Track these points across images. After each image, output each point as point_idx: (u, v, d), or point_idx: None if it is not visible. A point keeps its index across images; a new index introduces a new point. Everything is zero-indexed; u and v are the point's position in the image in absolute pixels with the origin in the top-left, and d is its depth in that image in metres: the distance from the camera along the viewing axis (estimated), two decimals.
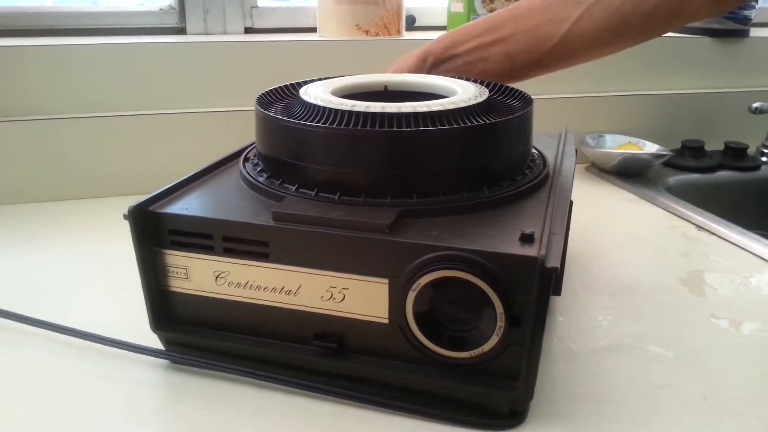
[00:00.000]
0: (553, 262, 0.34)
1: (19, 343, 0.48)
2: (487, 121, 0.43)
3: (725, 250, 0.65)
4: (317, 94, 0.47)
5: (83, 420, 0.40)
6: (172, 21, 0.92)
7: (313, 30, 0.96)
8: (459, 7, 0.94)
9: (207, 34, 0.92)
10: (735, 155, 0.95)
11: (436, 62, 0.58)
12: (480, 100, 0.46)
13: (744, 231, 0.69)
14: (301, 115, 0.45)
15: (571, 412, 0.40)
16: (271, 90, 0.51)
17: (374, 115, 0.42)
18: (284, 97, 0.51)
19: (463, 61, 0.57)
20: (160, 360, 0.45)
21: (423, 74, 0.57)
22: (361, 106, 0.43)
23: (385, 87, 0.54)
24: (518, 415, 0.39)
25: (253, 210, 0.42)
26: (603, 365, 0.45)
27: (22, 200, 0.77)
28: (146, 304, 0.43)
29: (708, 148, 0.95)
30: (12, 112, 0.76)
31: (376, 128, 0.41)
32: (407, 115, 0.42)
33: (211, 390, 0.42)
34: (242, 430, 0.39)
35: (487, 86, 0.52)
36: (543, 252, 0.34)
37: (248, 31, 0.94)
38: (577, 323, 0.51)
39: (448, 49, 0.58)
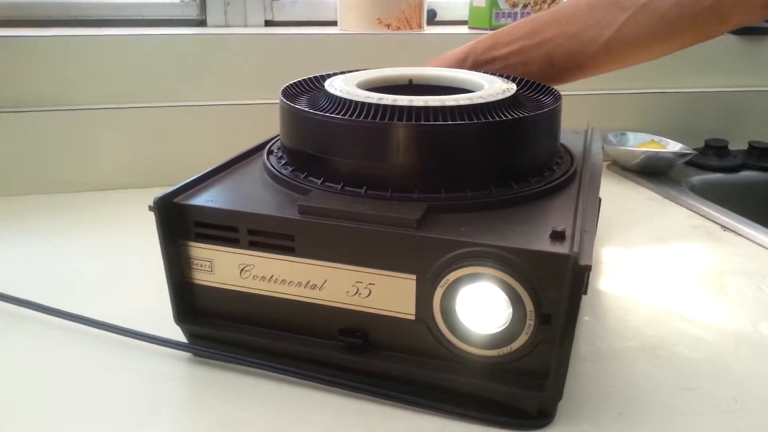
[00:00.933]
0: (585, 260, 0.33)
1: (41, 334, 0.48)
2: (517, 116, 0.42)
3: (751, 251, 0.64)
4: (342, 86, 0.46)
5: (105, 411, 0.39)
6: (193, 13, 0.91)
7: (333, 23, 0.95)
8: (481, 2, 0.93)
9: (227, 26, 0.91)
10: (759, 155, 0.93)
11: (476, 63, 0.57)
12: (508, 94, 0.45)
13: None
14: (327, 107, 0.44)
15: (600, 414, 0.40)
16: (295, 82, 0.51)
17: (401, 108, 0.41)
18: (309, 89, 0.51)
19: (503, 64, 0.56)
20: (183, 353, 0.45)
21: (448, 68, 0.57)
22: (388, 99, 0.42)
23: (410, 80, 0.54)
24: (547, 415, 0.38)
25: (278, 203, 0.41)
26: (631, 366, 0.44)
27: (45, 191, 0.77)
28: (170, 297, 0.43)
29: (732, 147, 0.94)
30: (32, 103, 0.76)
31: (404, 122, 0.41)
32: (435, 108, 0.41)
33: (233, 384, 0.42)
34: (265, 424, 0.38)
35: (513, 81, 0.52)
36: (575, 249, 0.34)
37: (268, 23, 0.94)
38: (603, 323, 0.50)
39: (489, 51, 0.57)
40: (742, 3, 0.47)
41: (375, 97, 0.43)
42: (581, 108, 0.92)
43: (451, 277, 0.36)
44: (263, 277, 0.41)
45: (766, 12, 0.48)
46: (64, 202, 0.76)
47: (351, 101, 0.43)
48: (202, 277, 0.43)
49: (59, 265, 0.59)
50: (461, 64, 0.58)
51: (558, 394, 0.37)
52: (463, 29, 0.96)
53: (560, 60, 0.54)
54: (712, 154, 0.93)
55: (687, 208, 0.76)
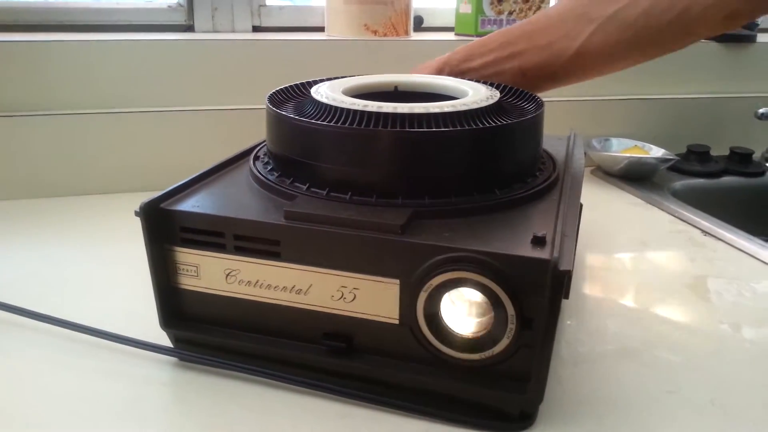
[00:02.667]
0: (565, 265, 0.34)
1: (27, 339, 0.48)
2: (500, 123, 0.43)
3: (731, 256, 0.65)
4: (328, 93, 0.47)
5: (90, 415, 0.40)
6: (180, 18, 0.92)
7: (321, 29, 0.96)
8: (467, 9, 0.94)
9: (215, 32, 0.92)
10: (740, 160, 0.95)
11: (452, 74, 0.59)
12: (492, 101, 0.46)
13: (750, 237, 0.69)
14: (313, 114, 0.45)
15: (581, 416, 0.40)
16: (282, 89, 0.51)
17: (386, 115, 0.42)
18: (295, 96, 0.51)
19: (478, 75, 0.58)
20: (169, 357, 0.45)
21: (433, 75, 0.57)
22: (373, 106, 0.43)
23: (396, 87, 0.54)
24: (528, 417, 0.39)
25: (264, 208, 0.42)
26: (612, 370, 0.45)
27: (33, 195, 0.77)
28: (156, 302, 0.43)
29: (713, 153, 0.95)
30: (19, 108, 0.76)
31: (389, 128, 0.41)
32: (419, 115, 0.42)
33: (219, 388, 0.42)
34: (250, 428, 0.39)
35: (497, 88, 0.52)
36: (556, 254, 0.34)
37: (256, 29, 0.94)
38: (585, 327, 0.51)
39: (464, 62, 0.58)
40: (706, 15, 0.49)
41: (360, 104, 0.43)
42: (566, 114, 0.93)
43: (435, 281, 0.37)
44: (249, 282, 0.42)
45: (729, 24, 0.49)
46: (51, 206, 0.75)
47: (337, 108, 0.43)
48: (188, 282, 0.43)
49: (45, 270, 0.59)
50: (438, 74, 0.59)
51: (539, 397, 0.38)
52: (450, 36, 0.97)
53: (532, 71, 0.56)
54: (694, 160, 0.94)
55: (669, 212, 0.77)
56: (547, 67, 0.55)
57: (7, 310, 0.50)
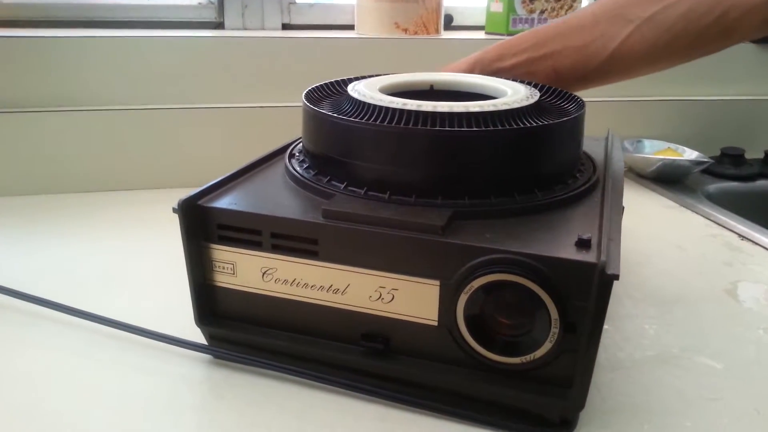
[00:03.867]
0: (613, 269, 0.33)
1: (63, 334, 0.48)
2: (542, 123, 0.42)
3: None
4: (365, 91, 0.46)
5: (124, 412, 0.40)
6: (210, 16, 0.92)
7: (350, 27, 0.95)
8: (498, 7, 0.93)
9: (245, 29, 0.92)
10: None
11: (484, 73, 0.58)
12: (532, 101, 0.45)
13: None
14: (350, 112, 0.44)
15: (620, 423, 0.39)
16: (318, 86, 0.51)
17: (426, 113, 0.41)
18: (331, 93, 0.51)
19: (510, 75, 0.57)
20: (203, 355, 0.45)
21: (469, 74, 0.57)
22: (412, 104, 0.42)
23: (431, 86, 0.54)
24: (569, 424, 0.38)
25: (301, 207, 0.41)
26: (651, 376, 0.44)
27: (67, 191, 0.78)
28: (191, 298, 0.43)
29: (748, 156, 0.93)
30: (50, 104, 0.77)
31: (428, 127, 0.41)
32: (459, 114, 0.41)
33: (254, 387, 0.42)
34: (286, 428, 0.38)
35: (536, 87, 0.52)
36: (603, 258, 0.34)
37: (286, 27, 0.94)
38: (622, 332, 0.50)
39: (496, 62, 0.58)
40: (745, 19, 0.48)
41: (399, 102, 0.43)
42: (598, 115, 0.91)
43: (476, 283, 0.36)
44: (285, 281, 0.41)
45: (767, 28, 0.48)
46: (86, 201, 0.76)
47: (375, 106, 0.43)
48: (223, 279, 0.43)
49: (81, 265, 0.59)
50: (469, 73, 0.58)
51: (581, 404, 0.37)
52: (480, 35, 0.96)
53: (565, 72, 0.55)
54: (728, 163, 0.92)
55: (703, 216, 0.76)
56: (582, 68, 0.55)
57: (40, 304, 0.50)
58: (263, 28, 0.92)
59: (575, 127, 0.45)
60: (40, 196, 0.77)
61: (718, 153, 0.94)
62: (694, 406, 0.41)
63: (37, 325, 0.49)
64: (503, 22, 0.93)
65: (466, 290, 0.37)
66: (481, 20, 0.99)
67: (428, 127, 0.40)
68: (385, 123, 0.41)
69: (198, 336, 0.45)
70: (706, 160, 0.86)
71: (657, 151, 0.90)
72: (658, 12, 0.50)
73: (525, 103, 0.44)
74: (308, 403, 0.41)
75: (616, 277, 0.33)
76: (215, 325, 0.44)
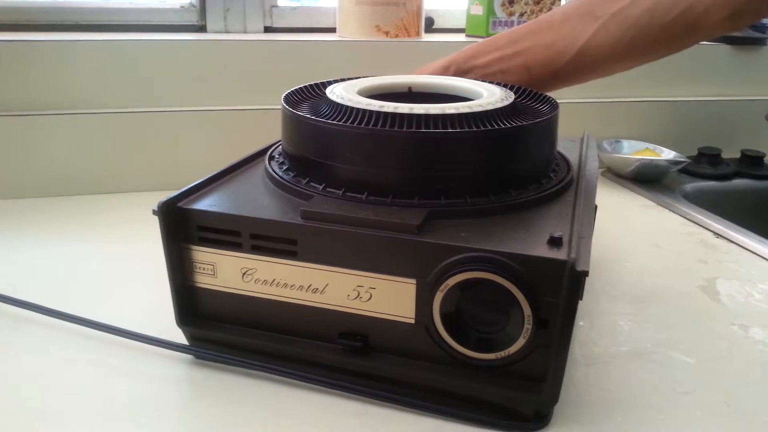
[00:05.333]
0: (582, 266, 0.34)
1: (44, 336, 0.48)
2: (516, 125, 0.43)
3: (743, 258, 0.65)
4: (344, 94, 0.47)
5: (107, 412, 0.40)
6: (193, 19, 0.92)
7: (332, 30, 0.96)
8: (478, 10, 0.94)
9: (227, 32, 0.92)
10: (751, 163, 0.95)
11: (458, 71, 0.59)
12: (507, 103, 0.46)
13: (761, 239, 0.68)
14: (329, 114, 0.45)
15: (595, 417, 0.40)
16: (297, 89, 0.52)
17: (402, 116, 0.42)
18: (310, 96, 0.52)
19: (484, 72, 0.58)
20: (184, 355, 0.45)
21: (447, 76, 0.57)
22: (389, 106, 0.43)
23: (409, 88, 0.55)
24: (543, 418, 0.39)
25: (280, 208, 0.42)
26: (625, 370, 0.45)
27: (47, 194, 0.78)
28: (172, 299, 0.44)
29: (725, 155, 0.95)
30: (33, 107, 0.77)
31: (405, 129, 0.41)
32: (435, 116, 0.42)
33: (235, 386, 0.43)
34: (266, 426, 0.39)
35: (511, 89, 0.53)
36: (573, 255, 0.35)
37: (268, 30, 0.95)
38: (598, 328, 0.51)
39: (470, 60, 0.59)
40: (709, 14, 0.49)
41: (376, 105, 0.43)
42: (577, 116, 0.93)
43: (451, 281, 0.37)
44: (265, 281, 0.42)
45: (732, 24, 0.50)
46: (66, 205, 0.76)
47: (353, 108, 0.44)
48: (204, 280, 0.43)
49: (61, 268, 0.60)
50: (444, 72, 0.60)
51: (554, 398, 0.38)
52: (461, 37, 0.97)
53: (536, 68, 0.56)
54: (705, 162, 0.94)
55: (680, 215, 0.77)
56: (552, 64, 0.56)
57: (23, 307, 0.50)
58: (245, 31, 0.93)
59: (549, 128, 0.46)
60: (20, 200, 0.77)
61: (695, 153, 0.95)
62: (666, 399, 0.42)
63: (19, 329, 0.49)
64: (483, 25, 0.94)
65: (441, 288, 0.37)
66: (461, 23, 1.00)
67: (404, 129, 0.41)
68: (362, 125, 0.42)
69: (179, 336, 0.45)
70: (683, 159, 0.88)
71: (635, 151, 0.91)
72: (624, 8, 0.52)
73: (500, 104, 0.45)
74: (289, 401, 0.41)
75: (586, 273, 0.34)
76: (196, 326, 0.44)
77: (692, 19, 0.50)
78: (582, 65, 0.55)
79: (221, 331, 0.44)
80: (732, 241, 0.69)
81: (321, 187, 0.43)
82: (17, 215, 0.72)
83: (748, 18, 0.50)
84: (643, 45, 0.53)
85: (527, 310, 0.36)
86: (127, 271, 0.59)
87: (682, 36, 0.52)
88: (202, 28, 0.92)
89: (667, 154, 0.90)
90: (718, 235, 0.71)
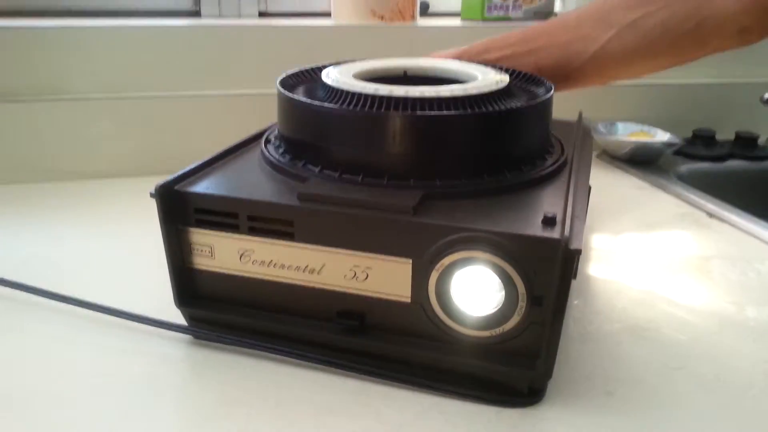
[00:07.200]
0: (576, 245, 0.35)
1: (44, 318, 0.49)
2: (510, 107, 0.44)
3: (736, 237, 0.66)
4: (339, 77, 0.47)
5: (107, 393, 0.40)
6: (187, 4, 0.92)
7: (327, 15, 0.96)
8: None
9: (221, 17, 0.92)
10: (745, 145, 0.95)
11: None
12: (501, 85, 0.46)
13: (755, 218, 0.69)
14: (324, 98, 0.45)
15: (588, 392, 0.41)
16: (292, 73, 0.52)
17: (398, 98, 0.42)
18: (306, 80, 0.52)
19: None
20: (184, 335, 0.46)
21: (442, 59, 0.58)
22: (384, 89, 0.43)
23: (405, 72, 0.55)
24: (537, 393, 0.40)
25: (277, 190, 0.42)
26: (619, 347, 0.46)
27: (45, 179, 0.78)
28: (171, 281, 0.44)
29: (719, 137, 0.96)
30: (27, 93, 0.77)
31: (400, 112, 0.42)
32: (430, 99, 0.42)
33: (233, 366, 0.43)
34: (265, 404, 0.40)
35: (506, 72, 0.53)
36: (566, 234, 0.35)
37: (262, 14, 0.94)
38: (592, 306, 0.51)
39: (481, 54, 0.59)
40: (719, 30, 0.50)
41: (371, 88, 0.44)
42: (572, 98, 0.92)
43: (446, 261, 0.37)
44: (263, 262, 0.42)
45: (743, 39, 0.51)
46: (64, 190, 0.76)
47: (348, 92, 0.44)
48: (202, 261, 0.44)
49: (61, 252, 0.60)
50: None
51: (548, 373, 0.39)
52: (456, 21, 0.97)
53: (548, 69, 0.56)
54: (699, 144, 0.94)
55: (675, 196, 0.78)
56: (563, 66, 0.56)
57: (23, 290, 0.51)
58: (240, 16, 0.93)
59: (543, 111, 0.47)
60: (16, 185, 0.77)
61: (690, 135, 0.96)
62: (658, 374, 0.43)
63: (16, 310, 0.50)
64: (478, 9, 0.94)
65: (437, 268, 0.38)
66: (456, 7, 1.00)
67: (400, 112, 0.42)
68: (358, 108, 0.42)
69: (178, 317, 0.46)
70: (677, 141, 0.88)
71: (630, 134, 0.92)
72: (638, 19, 0.53)
73: (494, 87, 0.46)
74: (287, 380, 0.42)
75: (579, 251, 0.35)
76: (195, 307, 0.45)
77: (703, 33, 0.51)
78: (593, 70, 0.56)
79: (220, 312, 0.45)
80: (725, 221, 0.70)
81: (317, 170, 0.43)
82: (16, 200, 0.73)
83: (758, 34, 0.51)
84: (654, 55, 0.54)
85: (521, 288, 0.37)
86: (125, 253, 0.60)
87: (695, 48, 0.53)
88: (196, 14, 0.92)
89: (662, 136, 0.90)
90: (711, 215, 0.72)
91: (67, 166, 0.79)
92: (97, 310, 0.48)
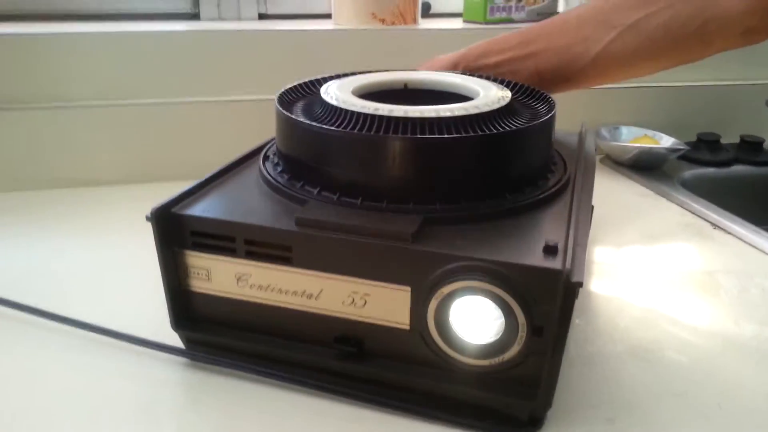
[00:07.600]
0: (578, 277, 0.34)
1: (40, 338, 0.48)
2: (511, 128, 0.43)
3: (741, 251, 0.65)
4: (338, 94, 0.46)
5: (102, 416, 0.40)
6: (186, 6, 0.91)
7: (327, 17, 0.95)
8: None
9: (221, 20, 0.91)
10: (751, 149, 0.94)
11: (467, 70, 0.59)
12: (503, 103, 0.45)
13: (759, 231, 0.68)
14: (323, 117, 0.44)
15: (588, 419, 0.41)
16: (290, 88, 0.51)
17: (397, 119, 0.42)
18: (304, 94, 0.51)
19: (493, 72, 0.57)
20: (180, 358, 0.45)
21: (443, 72, 0.57)
22: (384, 109, 0.43)
23: (405, 85, 0.54)
24: (537, 422, 0.39)
25: (275, 213, 0.42)
26: (620, 370, 0.45)
27: (40, 187, 0.78)
28: (167, 303, 0.44)
29: (724, 141, 0.95)
30: (24, 100, 0.76)
31: (399, 135, 0.41)
32: (431, 120, 0.42)
33: (230, 389, 0.43)
34: (261, 429, 0.39)
35: (508, 86, 0.52)
36: (568, 266, 0.34)
37: (262, 17, 0.93)
38: (593, 325, 0.51)
39: (480, 59, 0.58)
40: (724, 30, 0.49)
41: (371, 108, 0.43)
42: (575, 102, 0.92)
43: (446, 289, 0.37)
44: (260, 286, 0.42)
45: (747, 40, 0.50)
46: (63, 198, 0.76)
47: (347, 111, 0.43)
48: (199, 284, 0.43)
49: (59, 265, 0.60)
50: (453, 69, 0.59)
51: (548, 403, 0.38)
52: (458, 23, 0.96)
53: (548, 72, 0.55)
54: (704, 149, 0.93)
55: (678, 204, 0.77)
56: (564, 69, 0.55)
57: (19, 309, 0.50)
58: (239, 19, 0.92)
59: (545, 130, 0.46)
60: (14, 193, 0.77)
61: (694, 138, 0.95)
62: (659, 400, 0.42)
63: (12, 329, 0.49)
64: (481, 10, 0.93)
65: (436, 296, 0.37)
66: (459, 7, 0.99)
67: (399, 135, 0.41)
68: (357, 130, 0.41)
69: (175, 339, 0.46)
70: (682, 147, 0.87)
71: (634, 138, 0.91)
72: (640, 19, 0.52)
73: (496, 105, 0.45)
74: (284, 405, 0.41)
75: (580, 284, 0.34)
76: (191, 329, 0.45)
77: (707, 34, 0.50)
78: (595, 72, 0.55)
79: (217, 335, 0.44)
80: (730, 233, 0.69)
81: (316, 191, 0.43)
82: (14, 208, 0.72)
83: (764, 34, 0.50)
84: (656, 56, 0.53)
85: (522, 318, 0.36)
86: (122, 270, 0.59)
87: (698, 49, 0.52)
88: (195, 16, 0.91)
89: (666, 141, 0.89)
90: (715, 226, 0.71)
91: (66, 173, 0.78)
92: (93, 331, 0.47)
